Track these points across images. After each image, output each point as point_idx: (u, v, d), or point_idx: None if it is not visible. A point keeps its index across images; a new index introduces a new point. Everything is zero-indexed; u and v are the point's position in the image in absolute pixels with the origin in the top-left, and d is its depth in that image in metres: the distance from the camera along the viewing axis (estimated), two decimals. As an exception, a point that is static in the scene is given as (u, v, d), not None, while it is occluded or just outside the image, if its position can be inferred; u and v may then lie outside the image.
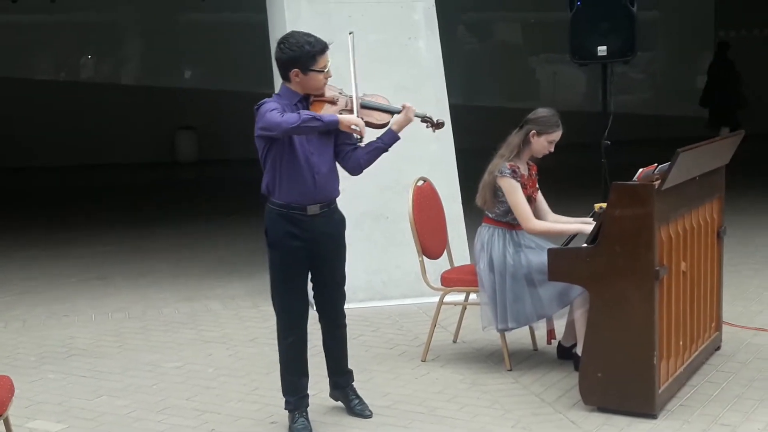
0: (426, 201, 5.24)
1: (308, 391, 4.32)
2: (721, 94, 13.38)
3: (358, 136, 4.06)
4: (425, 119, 4.30)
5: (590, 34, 6.46)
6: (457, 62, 13.68)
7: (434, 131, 4.39)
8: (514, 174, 4.77)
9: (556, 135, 4.85)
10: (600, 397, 4.31)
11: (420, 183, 5.26)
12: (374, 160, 4.24)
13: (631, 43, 6.42)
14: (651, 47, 16.65)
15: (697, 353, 4.79)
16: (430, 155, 6.51)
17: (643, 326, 4.15)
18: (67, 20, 15.20)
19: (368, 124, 4.16)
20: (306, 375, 4.30)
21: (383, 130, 4.22)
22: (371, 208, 6.48)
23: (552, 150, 4.88)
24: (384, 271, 6.46)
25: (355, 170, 4.26)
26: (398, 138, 4.20)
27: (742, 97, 13.31)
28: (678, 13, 16.84)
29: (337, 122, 3.99)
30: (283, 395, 4.30)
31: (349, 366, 4.49)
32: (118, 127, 14.87)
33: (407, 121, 4.18)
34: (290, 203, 4.08)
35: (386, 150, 4.21)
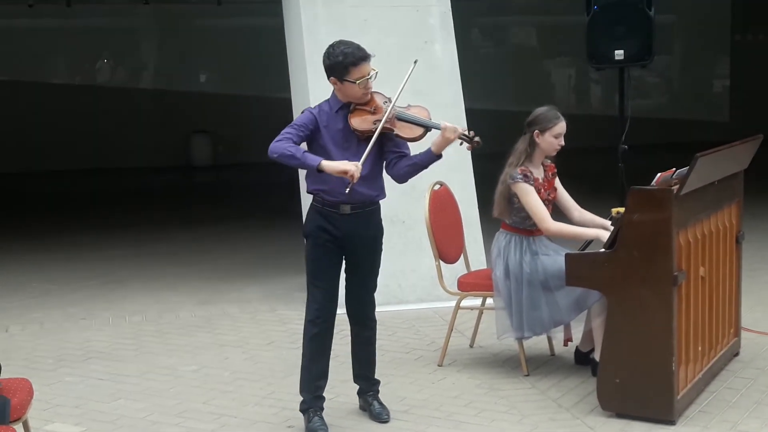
0: (442, 205, 5.23)
1: (325, 394, 4.33)
2: None
3: (350, 182, 4.00)
4: (462, 137, 4.23)
5: (607, 38, 6.44)
6: (473, 66, 13.66)
7: (469, 149, 4.32)
8: (526, 178, 4.77)
9: (560, 128, 4.83)
10: (618, 403, 4.30)
11: (437, 187, 5.25)
12: (414, 174, 4.30)
13: (648, 47, 6.40)
14: (667, 51, 16.59)
15: (715, 359, 4.77)
16: (446, 159, 6.41)
17: (661, 332, 4.13)
18: (83, 25, 15.26)
19: (398, 137, 4.24)
20: (324, 376, 4.33)
21: (418, 143, 4.26)
22: (388, 212, 6.40)
23: (562, 143, 4.86)
24: (400, 275, 6.45)
25: (397, 179, 4.34)
26: (436, 157, 4.22)
27: None
28: (694, 17, 16.76)
29: (315, 167, 4.00)
30: (300, 392, 4.32)
31: (376, 376, 4.53)
32: (134, 131, 14.93)
33: (446, 142, 4.18)
34: (325, 200, 4.22)
35: (424, 167, 4.26)
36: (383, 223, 6.40)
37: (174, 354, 5.56)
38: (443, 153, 4.24)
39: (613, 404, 4.31)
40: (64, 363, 5.45)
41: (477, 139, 4.25)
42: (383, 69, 6.67)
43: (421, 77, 6.59)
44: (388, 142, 4.23)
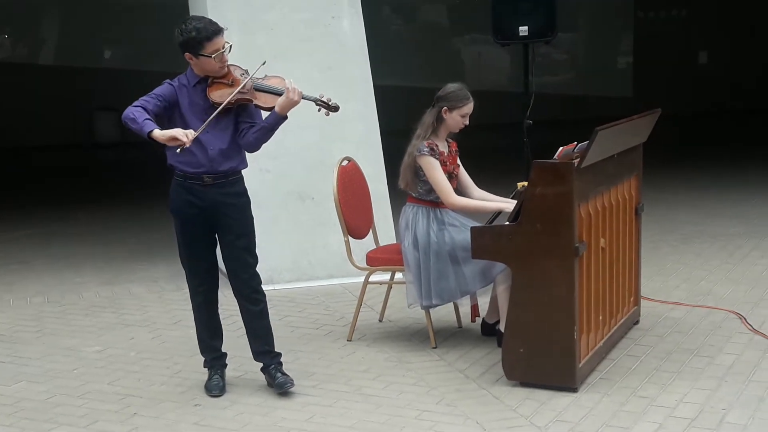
0: (351, 180, 5.23)
1: (232, 372, 4.37)
2: None
3: (179, 148, 3.98)
4: (318, 103, 4.29)
5: (512, 14, 6.53)
6: (381, 42, 13.64)
7: (328, 115, 4.35)
8: (432, 152, 4.82)
9: (468, 108, 4.90)
10: (522, 372, 4.38)
11: (344, 163, 5.25)
12: (264, 139, 4.27)
13: (551, 24, 6.51)
14: (572, 28, 16.86)
15: (616, 327, 4.90)
16: (355, 135, 6.50)
17: (563, 302, 4.22)
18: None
19: (258, 107, 4.28)
20: (218, 336, 4.54)
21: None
22: (297, 188, 6.45)
23: (467, 123, 4.94)
24: (310, 251, 6.45)
25: (247, 147, 4.32)
26: (282, 118, 4.21)
27: None
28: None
29: (146, 134, 3.95)
30: (201, 353, 4.54)
31: (277, 349, 4.50)
32: (37, 109, 14.49)
33: (290, 103, 4.16)
34: (186, 173, 4.25)
35: (271, 130, 4.24)
36: (292, 200, 6.43)
37: (77, 335, 5.45)
38: (289, 115, 4.22)
39: (518, 373, 4.40)
40: (-37, 347, 5.29)
41: (333, 103, 4.30)
42: (291, 45, 6.63)
43: (329, 53, 6.59)
44: (242, 113, 4.26)
